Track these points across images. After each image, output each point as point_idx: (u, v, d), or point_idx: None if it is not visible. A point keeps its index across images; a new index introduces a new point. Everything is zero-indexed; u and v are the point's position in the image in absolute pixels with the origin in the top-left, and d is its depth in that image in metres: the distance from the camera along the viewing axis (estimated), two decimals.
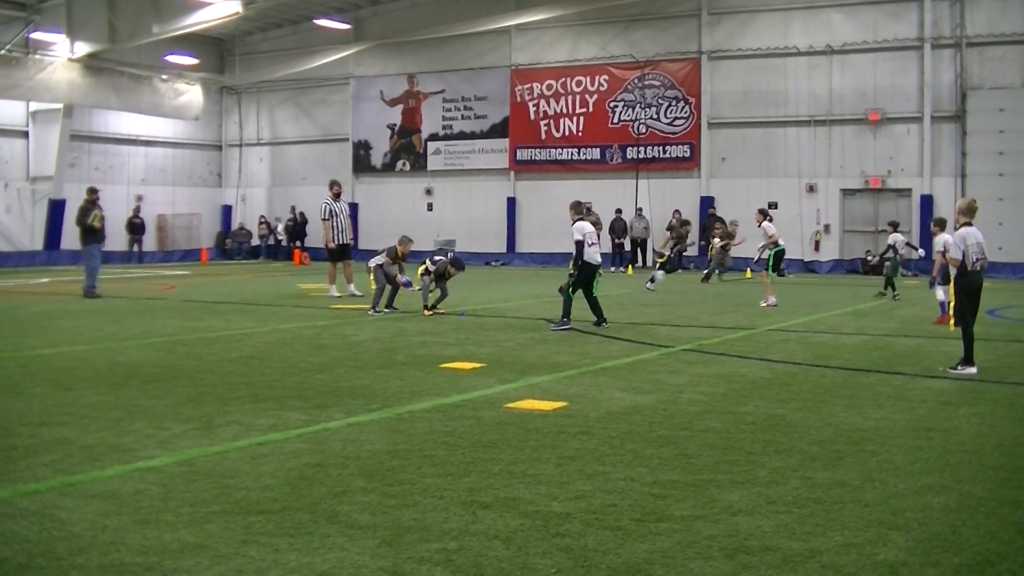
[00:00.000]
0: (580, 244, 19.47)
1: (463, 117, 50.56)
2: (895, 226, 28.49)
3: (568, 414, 10.74)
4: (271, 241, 55.08)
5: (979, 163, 40.13)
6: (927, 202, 40.88)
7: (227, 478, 8.00)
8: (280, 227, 54.36)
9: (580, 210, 20.76)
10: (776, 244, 25.98)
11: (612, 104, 46.84)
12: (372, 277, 22.98)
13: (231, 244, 55.62)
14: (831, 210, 42.71)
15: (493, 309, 23.32)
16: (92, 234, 26.36)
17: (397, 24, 50.28)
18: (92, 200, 26.63)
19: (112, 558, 6.11)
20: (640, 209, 45.00)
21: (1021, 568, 6.08)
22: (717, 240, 41.80)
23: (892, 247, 27.62)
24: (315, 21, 49.62)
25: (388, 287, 23.20)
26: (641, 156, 46.07)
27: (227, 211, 56.96)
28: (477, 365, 14.18)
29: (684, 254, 42.05)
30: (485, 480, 7.95)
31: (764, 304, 24.23)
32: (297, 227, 53.50)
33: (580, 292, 19.67)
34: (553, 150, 48.09)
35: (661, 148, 45.77)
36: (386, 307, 23.05)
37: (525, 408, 11.00)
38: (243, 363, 14.61)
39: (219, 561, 6.07)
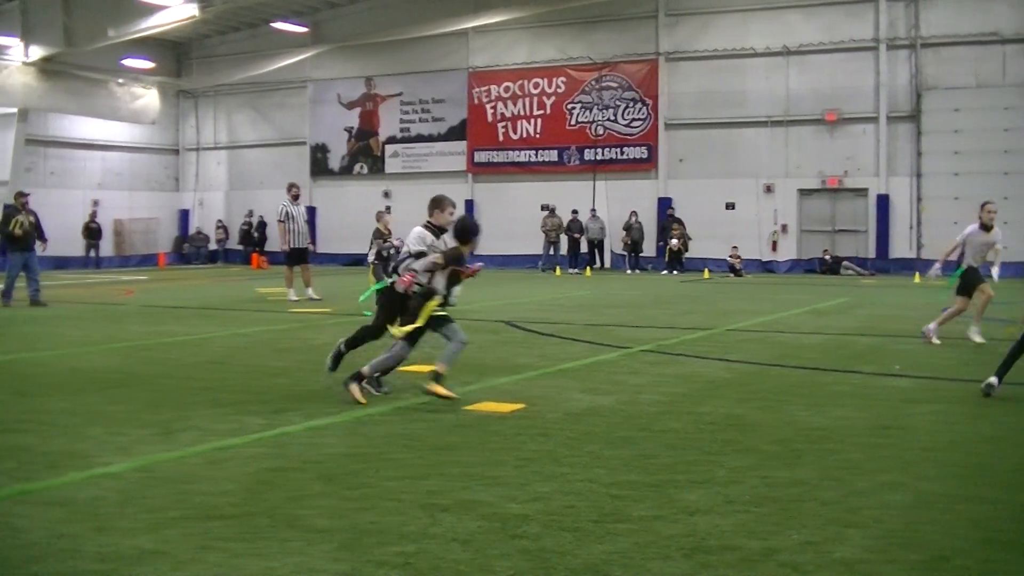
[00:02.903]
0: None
1: (421, 120, 50.55)
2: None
3: (527, 416, 10.75)
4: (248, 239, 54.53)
5: (935, 163, 40.48)
6: (884, 201, 41.17)
7: (186, 483, 7.96)
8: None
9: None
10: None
11: (570, 106, 46.94)
12: (372, 274, 23.26)
13: (189, 248, 55.43)
14: (788, 210, 42.91)
15: (453, 312, 23.27)
16: (13, 242, 25.69)
17: (355, 27, 50.14)
18: (20, 204, 26.00)
19: (69, 566, 6.07)
20: (594, 210, 45.04)
21: (977, 564, 6.12)
22: (675, 241, 42.08)
23: None
24: (273, 25, 49.46)
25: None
26: (599, 158, 46.17)
27: (185, 215, 56.71)
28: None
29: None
30: (444, 483, 7.94)
31: (977, 339, 17.49)
32: (252, 231, 53.43)
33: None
34: (511, 152, 48.13)
35: (619, 149, 45.89)
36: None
37: (484, 410, 11.01)
38: (202, 368, 14.57)
39: (177, 567, 6.04)
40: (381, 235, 23.55)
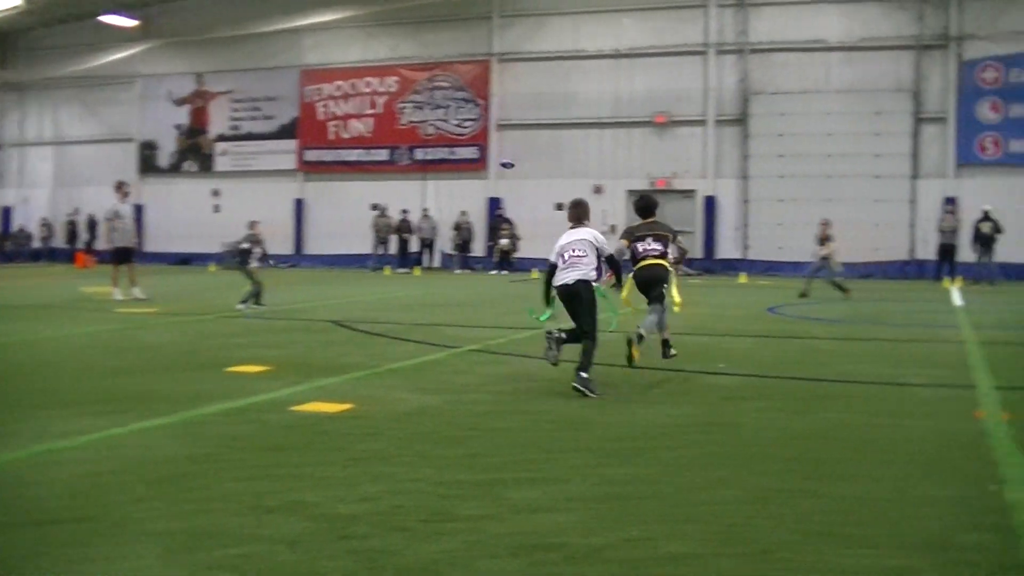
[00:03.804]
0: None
1: (252, 117, 50.22)
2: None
3: (355, 416, 10.70)
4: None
5: (760, 165, 41.43)
6: (711, 203, 41.88)
7: (16, 488, 7.76)
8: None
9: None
10: None
11: (401, 105, 47.01)
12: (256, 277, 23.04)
13: (11, 247, 54.32)
14: (617, 211, 43.38)
15: (281, 311, 23.17)
16: None
17: (187, 22, 49.72)
18: None
19: None
20: (426, 210, 45.18)
21: (800, 556, 6.23)
22: (504, 241, 42.27)
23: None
24: (102, 17, 48.69)
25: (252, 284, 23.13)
26: (430, 157, 46.34)
27: (6, 213, 55.56)
28: (264, 368, 14.03)
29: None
30: (272, 484, 7.85)
31: None
32: (78, 229, 52.63)
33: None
34: (342, 151, 48.07)
35: (450, 149, 46.11)
36: (256, 304, 22.98)
37: (312, 411, 10.92)
38: (30, 369, 14.24)
39: (7, 575, 5.91)
40: (256, 240, 23.56)
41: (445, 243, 45.75)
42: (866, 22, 40.99)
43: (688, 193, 42.51)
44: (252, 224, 24.12)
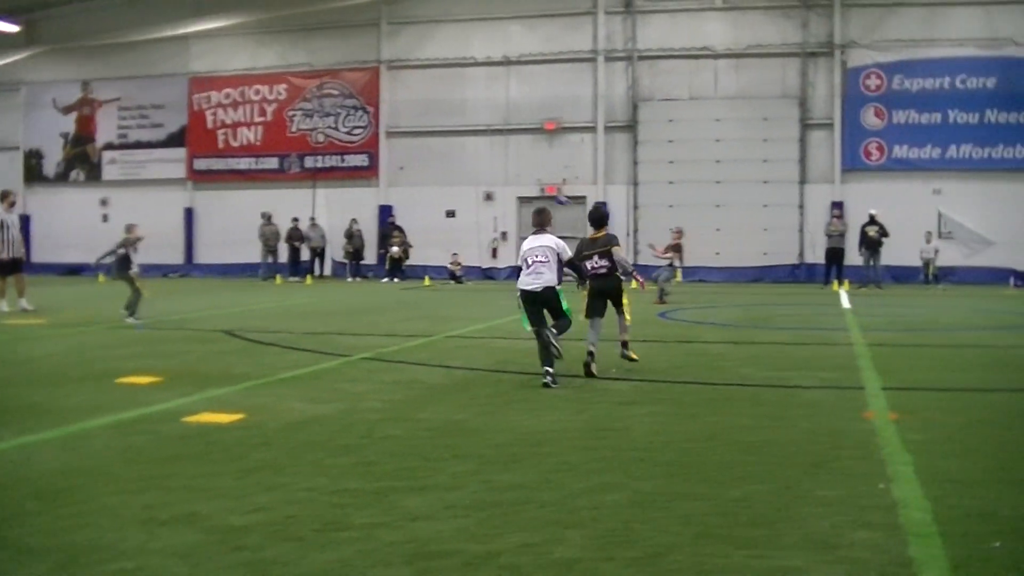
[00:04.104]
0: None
1: (140, 126, 49.58)
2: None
3: (247, 426, 10.62)
4: None
5: (650, 171, 41.75)
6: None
7: None
8: None
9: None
10: None
11: (291, 113, 46.74)
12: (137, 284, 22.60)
13: None
14: (508, 218, 43.52)
15: (172, 321, 22.95)
16: None
17: (72, 28, 48.95)
18: None
19: None
20: (313, 218, 44.99)
21: (689, 558, 6.31)
22: (396, 248, 42.19)
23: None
24: None
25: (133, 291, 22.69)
26: (320, 165, 46.15)
27: None
28: (155, 379, 13.88)
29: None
30: (163, 496, 7.77)
31: None
32: None
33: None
34: (231, 159, 47.67)
35: (340, 157, 45.96)
36: (130, 313, 22.53)
37: (203, 421, 10.83)
38: None
39: None
40: (133, 243, 23.15)
41: (336, 251, 45.55)
42: (752, 30, 41.49)
43: (578, 199, 42.60)
44: (129, 228, 23.71)
